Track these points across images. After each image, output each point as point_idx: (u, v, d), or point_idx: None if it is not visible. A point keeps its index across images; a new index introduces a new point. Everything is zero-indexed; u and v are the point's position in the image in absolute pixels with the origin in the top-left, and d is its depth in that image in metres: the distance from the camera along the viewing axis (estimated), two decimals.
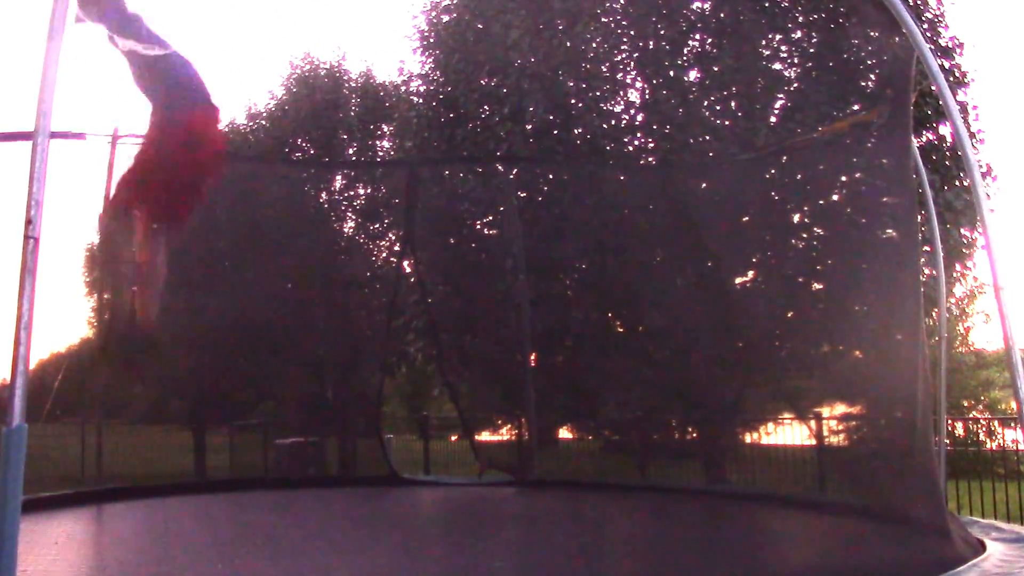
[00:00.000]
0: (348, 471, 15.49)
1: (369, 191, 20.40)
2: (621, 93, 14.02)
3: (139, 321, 5.24)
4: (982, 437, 17.01)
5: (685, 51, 13.40)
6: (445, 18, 15.53)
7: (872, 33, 10.62)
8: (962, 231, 13.06)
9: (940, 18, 13.58)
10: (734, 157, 11.59)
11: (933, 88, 4.43)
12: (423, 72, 16.03)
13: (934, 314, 9.80)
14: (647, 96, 13.67)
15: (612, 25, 13.66)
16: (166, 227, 5.22)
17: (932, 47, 12.51)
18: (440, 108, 15.17)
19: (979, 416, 19.57)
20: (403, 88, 17.47)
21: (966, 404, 20.69)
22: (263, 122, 21.94)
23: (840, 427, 12.67)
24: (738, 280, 12.85)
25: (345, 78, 22.29)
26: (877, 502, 6.24)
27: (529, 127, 13.85)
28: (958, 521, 5.16)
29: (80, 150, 8.76)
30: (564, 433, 19.49)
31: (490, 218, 14.83)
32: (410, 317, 15.01)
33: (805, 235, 12.69)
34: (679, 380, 12.20)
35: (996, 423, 16.89)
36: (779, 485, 12.18)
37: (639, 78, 13.80)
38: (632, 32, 13.53)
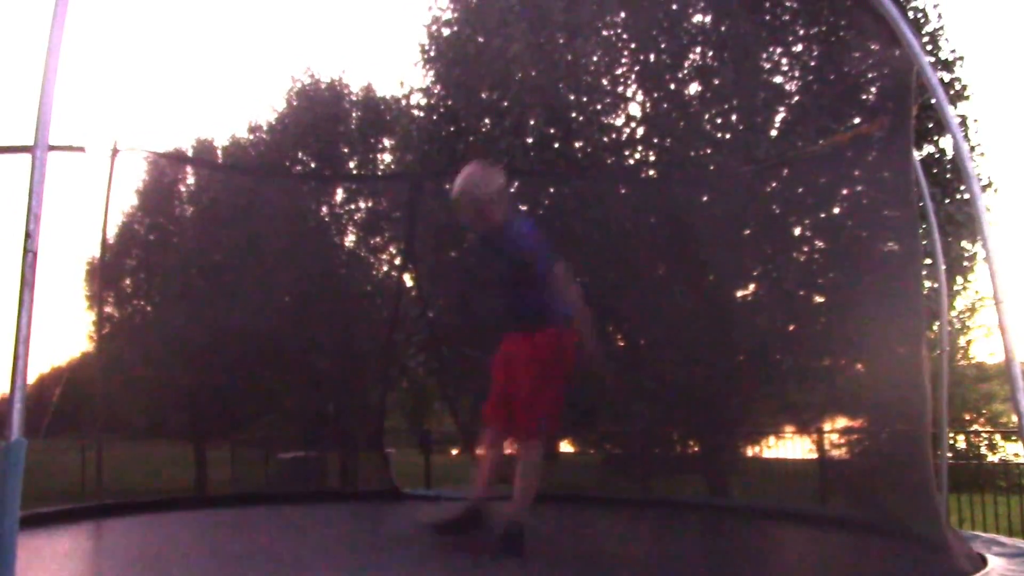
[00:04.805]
0: (349, 485, 15.47)
1: (370, 204, 20.47)
2: (622, 106, 14.04)
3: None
4: (983, 450, 17.01)
5: (686, 65, 13.43)
6: (446, 32, 15.56)
7: (872, 46, 10.64)
8: (963, 244, 13.07)
9: (940, 31, 13.62)
10: (735, 170, 11.59)
11: (933, 101, 4.42)
12: (424, 86, 16.05)
13: (935, 327, 9.80)
14: (648, 109, 13.69)
15: (613, 39, 13.68)
16: None
17: (932, 60, 12.55)
18: (441, 121, 15.18)
19: (980, 429, 19.57)
20: (404, 101, 17.48)
21: (967, 417, 20.67)
22: (264, 135, 21.99)
23: (842, 440, 12.67)
24: (739, 293, 12.85)
25: (346, 92, 22.35)
26: (878, 516, 6.22)
27: (530, 140, 13.86)
28: (959, 535, 5.14)
29: (80, 163, 8.74)
30: (565, 447, 19.48)
31: None
32: (411, 331, 14.99)
33: (806, 248, 12.69)
34: (680, 394, 12.19)
35: (998, 436, 16.90)
36: (781, 498, 12.16)
37: (640, 91, 13.83)
38: (633, 46, 13.56)
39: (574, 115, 13.72)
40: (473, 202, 5.16)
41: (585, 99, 13.79)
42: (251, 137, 22.35)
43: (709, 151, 12.66)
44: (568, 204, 13.21)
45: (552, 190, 13.86)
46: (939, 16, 13.68)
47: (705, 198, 11.37)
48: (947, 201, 12.61)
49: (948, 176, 13.00)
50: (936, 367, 7.02)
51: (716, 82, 13.01)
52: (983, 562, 4.43)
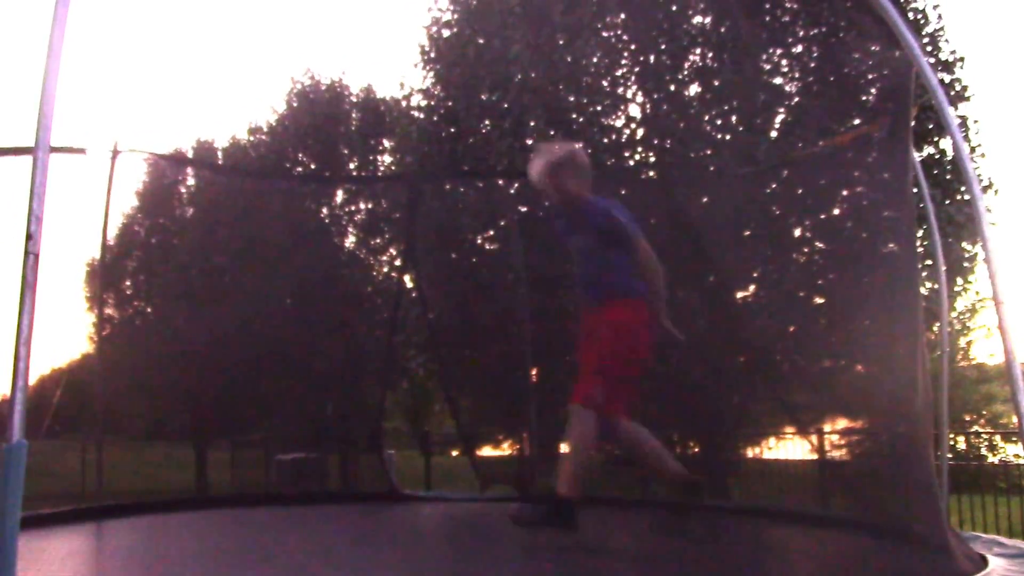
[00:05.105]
0: (349, 487, 15.47)
1: (370, 206, 20.47)
2: (622, 108, 14.05)
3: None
4: (984, 451, 16.99)
5: (685, 66, 13.44)
6: (446, 33, 15.57)
7: (872, 47, 10.64)
8: (963, 245, 13.07)
9: (940, 32, 13.62)
10: (735, 171, 11.58)
11: (933, 103, 4.42)
12: (424, 87, 16.06)
13: (935, 328, 9.79)
14: (648, 111, 13.70)
15: (613, 40, 13.70)
16: None
17: (932, 61, 12.55)
18: (441, 123, 15.19)
19: (981, 430, 19.56)
20: (404, 103, 17.50)
21: (968, 418, 20.66)
22: (264, 137, 21.99)
23: (842, 442, 12.66)
24: (739, 294, 12.84)
25: (346, 93, 22.36)
26: (878, 517, 6.21)
27: (530, 142, 13.86)
28: (959, 536, 5.14)
29: (80, 165, 8.73)
30: (566, 448, 19.45)
31: (491, 233, 14.84)
32: (411, 332, 14.99)
33: (806, 249, 12.70)
34: (681, 394, 12.18)
35: (998, 437, 16.89)
36: (781, 500, 12.16)
37: (640, 93, 13.83)
38: (633, 47, 13.57)
39: (574, 116, 13.72)
40: (553, 179, 5.18)
41: (585, 100, 13.80)
42: (251, 138, 22.36)
43: (709, 152, 12.66)
44: None
45: None
46: (939, 17, 13.70)
47: (705, 199, 11.38)
48: (947, 202, 12.61)
49: (948, 177, 13.00)
50: (936, 368, 7.02)
51: (716, 83, 13.01)
52: (984, 563, 4.42)
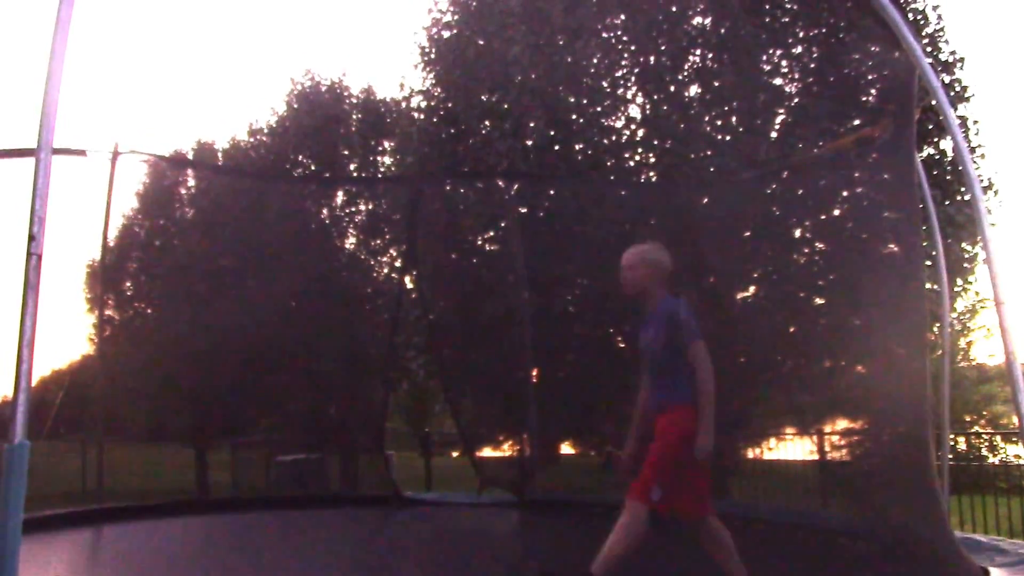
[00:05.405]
0: (350, 488, 15.46)
1: (370, 207, 20.45)
2: (622, 108, 14.04)
3: None
4: (984, 452, 16.97)
5: (686, 66, 13.43)
6: (446, 34, 15.56)
7: (872, 48, 10.64)
8: (963, 245, 13.06)
9: (940, 33, 13.63)
10: (735, 172, 11.58)
11: (933, 103, 4.42)
12: (424, 88, 16.05)
13: (936, 329, 9.78)
14: (648, 111, 13.69)
15: (613, 41, 13.69)
16: None
17: (932, 62, 12.54)
18: (441, 124, 15.18)
19: (981, 431, 19.55)
20: (404, 104, 17.50)
21: (968, 419, 20.65)
22: (264, 138, 21.98)
23: (842, 443, 12.65)
24: (740, 295, 12.83)
25: (346, 94, 22.35)
26: (879, 519, 6.21)
27: (530, 143, 13.86)
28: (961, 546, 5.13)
29: (81, 166, 8.74)
30: (566, 449, 19.47)
31: (491, 234, 14.83)
32: (412, 333, 14.98)
33: (807, 250, 12.68)
34: None
35: (998, 438, 16.88)
36: (781, 501, 12.15)
37: (640, 94, 13.83)
38: (633, 48, 13.56)
39: (574, 117, 13.71)
40: (635, 273, 5.23)
41: (585, 101, 13.79)
42: (252, 140, 22.35)
43: (709, 153, 12.65)
44: (568, 206, 13.21)
45: (552, 192, 13.86)
46: (939, 18, 13.70)
47: (706, 200, 11.37)
48: (947, 203, 12.61)
49: (948, 178, 13.00)
50: (937, 369, 7.02)
51: (716, 84, 13.00)
52: (985, 574, 4.42)
